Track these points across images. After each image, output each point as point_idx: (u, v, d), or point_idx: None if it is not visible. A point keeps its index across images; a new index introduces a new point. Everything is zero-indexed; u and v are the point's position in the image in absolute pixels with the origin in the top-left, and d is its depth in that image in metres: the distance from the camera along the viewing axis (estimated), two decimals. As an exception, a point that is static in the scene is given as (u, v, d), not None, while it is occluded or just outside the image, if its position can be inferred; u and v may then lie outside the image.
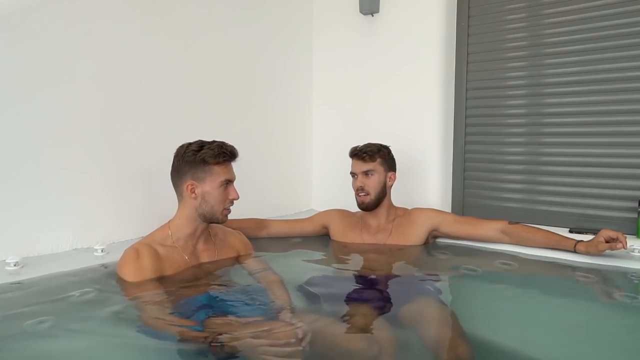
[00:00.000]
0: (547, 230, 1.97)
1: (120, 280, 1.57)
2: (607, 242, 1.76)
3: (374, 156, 2.04)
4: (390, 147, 2.13)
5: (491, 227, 2.02)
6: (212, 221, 1.70)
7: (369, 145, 2.07)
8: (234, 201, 1.71)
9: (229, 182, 1.68)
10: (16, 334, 1.24)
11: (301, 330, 1.18)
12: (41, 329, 1.26)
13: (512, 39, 2.46)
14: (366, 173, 2.03)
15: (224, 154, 1.66)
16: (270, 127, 2.76)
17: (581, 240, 1.84)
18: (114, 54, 1.99)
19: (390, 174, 2.09)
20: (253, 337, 1.19)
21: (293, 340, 1.16)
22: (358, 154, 2.06)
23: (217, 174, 1.65)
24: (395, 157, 2.14)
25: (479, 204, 2.58)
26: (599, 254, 1.79)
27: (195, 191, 1.65)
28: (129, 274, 1.55)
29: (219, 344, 1.17)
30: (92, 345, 1.22)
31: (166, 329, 1.32)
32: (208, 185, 1.65)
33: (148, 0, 2.10)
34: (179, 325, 1.32)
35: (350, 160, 2.12)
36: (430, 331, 1.32)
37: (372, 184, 2.03)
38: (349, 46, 2.86)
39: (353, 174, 2.08)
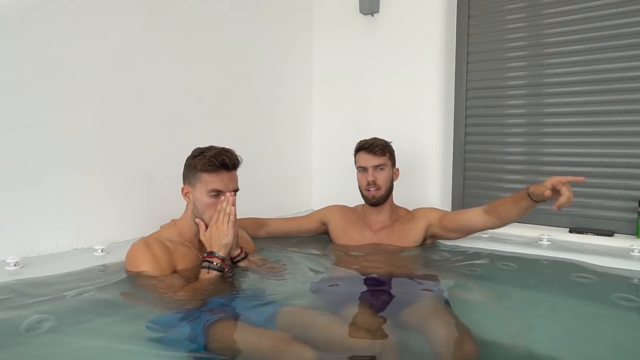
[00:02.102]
0: (512, 195, 1.84)
1: (131, 273, 1.57)
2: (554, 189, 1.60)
3: (384, 150, 2.03)
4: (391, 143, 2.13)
5: (474, 212, 1.96)
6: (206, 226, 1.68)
7: (377, 139, 2.06)
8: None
9: (219, 192, 1.61)
10: (16, 334, 1.23)
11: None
12: (41, 329, 1.25)
13: (512, 39, 2.46)
14: (377, 167, 2.02)
15: (213, 162, 1.58)
16: (271, 127, 2.76)
17: (532, 185, 1.71)
18: (114, 54, 1.98)
19: (395, 169, 2.10)
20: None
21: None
22: (369, 147, 2.03)
23: (206, 182, 1.60)
24: (395, 156, 2.14)
25: (479, 204, 2.53)
26: (543, 194, 1.62)
27: (189, 195, 1.66)
28: (144, 264, 1.55)
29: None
30: (92, 345, 1.22)
31: (175, 299, 1.42)
32: (198, 192, 1.62)
33: (148, 0, 2.10)
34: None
35: (352, 156, 2.11)
36: (436, 330, 1.31)
37: (383, 178, 2.02)
38: (349, 46, 2.86)
39: (362, 167, 2.05)
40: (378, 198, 2.03)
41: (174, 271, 1.61)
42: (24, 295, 1.47)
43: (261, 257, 1.89)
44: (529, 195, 1.70)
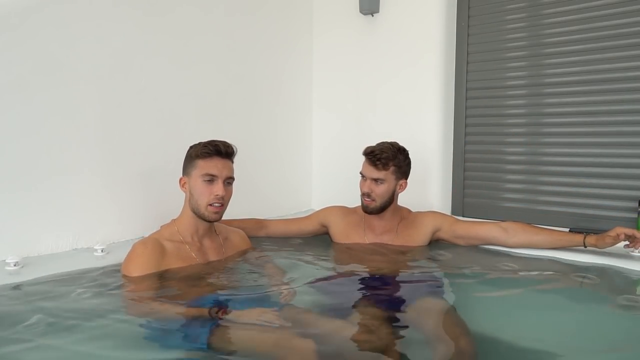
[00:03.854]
0: (551, 229, 1.97)
1: (124, 277, 1.58)
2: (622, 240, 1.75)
3: (388, 164, 1.93)
4: (408, 152, 2.02)
5: (494, 225, 2.01)
6: (200, 217, 1.68)
7: (384, 149, 1.94)
8: (223, 199, 1.66)
9: (212, 177, 1.65)
10: (16, 334, 1.23)
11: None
12: (40, 329, 1.25)
13: (512, 39, 2.46)
14: (375, 180, 1.94)
15: (207, 147, 1.66)
16: (271, 128, 2.76)
17: (589, 234, 1.84)
18: (114, 55, 1.99)
19: (401, 182, 2.00)
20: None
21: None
22: (372, 158, 1.93)
23: (200, 167, 1.65)
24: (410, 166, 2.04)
25: (479, 204, 2.58)
26: (607, 246, 1.79)
27: (185, 186, 1.70)
28: (133, 270, 1.57)
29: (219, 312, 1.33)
30: (92, 345, 1.22)
31: (168, 313, 1.37)
32: (193, 179, 1.67)
33: (149, 2, 2.10)
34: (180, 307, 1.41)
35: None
36: (433, 328, 1.32)
37: (379, 192, 1.95)
38: (349, 46, 2.86)
39: (362, 175, 1.99)
40: (371, 209, 1.98)
41: (163, 271, 1.60)
42: (24, 295, 1.48)
43: (263, 254, 1.89)
44: (584, 241, 1.83)
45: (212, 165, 1.65)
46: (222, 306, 1.38)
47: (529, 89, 2.44)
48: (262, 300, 1.48)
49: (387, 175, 1.95)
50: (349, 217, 2.14)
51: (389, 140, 2.02)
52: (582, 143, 2.31)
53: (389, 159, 1.94)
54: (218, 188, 1.64)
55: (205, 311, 1.34)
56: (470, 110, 2.60)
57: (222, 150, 1.67)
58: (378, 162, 1.93)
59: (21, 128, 1.74)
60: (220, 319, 1.29)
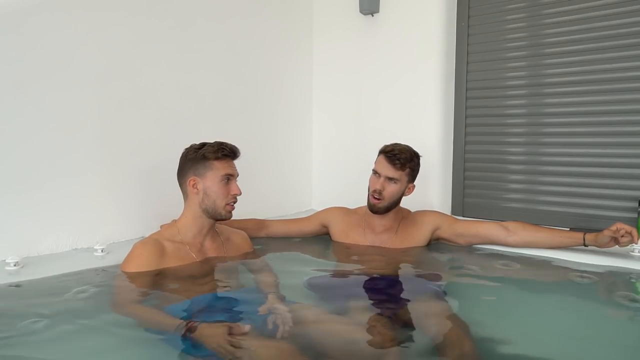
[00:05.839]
0: (551, 228, 1.97)
1: (121, 273, 1.59)
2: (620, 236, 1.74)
3: (405, 165, 1.93)
4: (421, 157, 2.02)
5: (494, 223, 2.01)
6: (215, 217, 1.73)
7: (403, 150, 1.95)
8: (237, 197, 1.74)
9: (230, 177, 1.73)
10: (16, 334, 1.23)
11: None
12: (40, 329, 1.26)
13: (512, 39, 2.46)
14: (390, 179, 1.93)
15: (224, 149, 1.72)
16: (271, 128, 2.76)
17: (589, 232, 1.83)
18: (114, 56, 1.98)
19: (410, 185, 2.01)
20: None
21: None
22: (391, 156, 1.92)
23: (217, 168, 1.70)
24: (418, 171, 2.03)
25: (479, 204, 2.58)
26: (607, 245, 1.77)
27: (197, 187, 1.71)
28: (130, 266, 1.59)
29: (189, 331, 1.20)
30: (91, 345, 1.22)
31: (142, 316, 1.37)
32: (209, 180, 1.69)
33: (149, 4, 2.10)
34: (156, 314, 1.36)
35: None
36: (434, 329, 1.32)
37: (391, 192, 1.94)
38: (349, 46, 2.86)
39: (376, 172, 1.97)
40: (378, 207, 1.97)
41: (161, 270, 1.61)
42: (24, 296, 1.48)
43: (262, 258, 1.89)
44: (583, 238, 1.82)
45: (229, 166, 1.74)
46: (189, 320, 1.24)
47: (529, 89, 2.43)
48: (264, 298, 1.47)
49: (402, 176, 1.95)
50: (349, 217, 2.15)
51: (403, 143, 2.02)
52: (582, 143, 2.31)
53: (407, 160, 1.94)
54: (235, 188, 1.74)
55: (174, 323, 1.24)
56: (470, 110, 2.60)
57: (236, 152, 1.76)
58: (397, 162, 1.92)
59: (21, 129, 1.74)
60: (185, 336, 1.19)
